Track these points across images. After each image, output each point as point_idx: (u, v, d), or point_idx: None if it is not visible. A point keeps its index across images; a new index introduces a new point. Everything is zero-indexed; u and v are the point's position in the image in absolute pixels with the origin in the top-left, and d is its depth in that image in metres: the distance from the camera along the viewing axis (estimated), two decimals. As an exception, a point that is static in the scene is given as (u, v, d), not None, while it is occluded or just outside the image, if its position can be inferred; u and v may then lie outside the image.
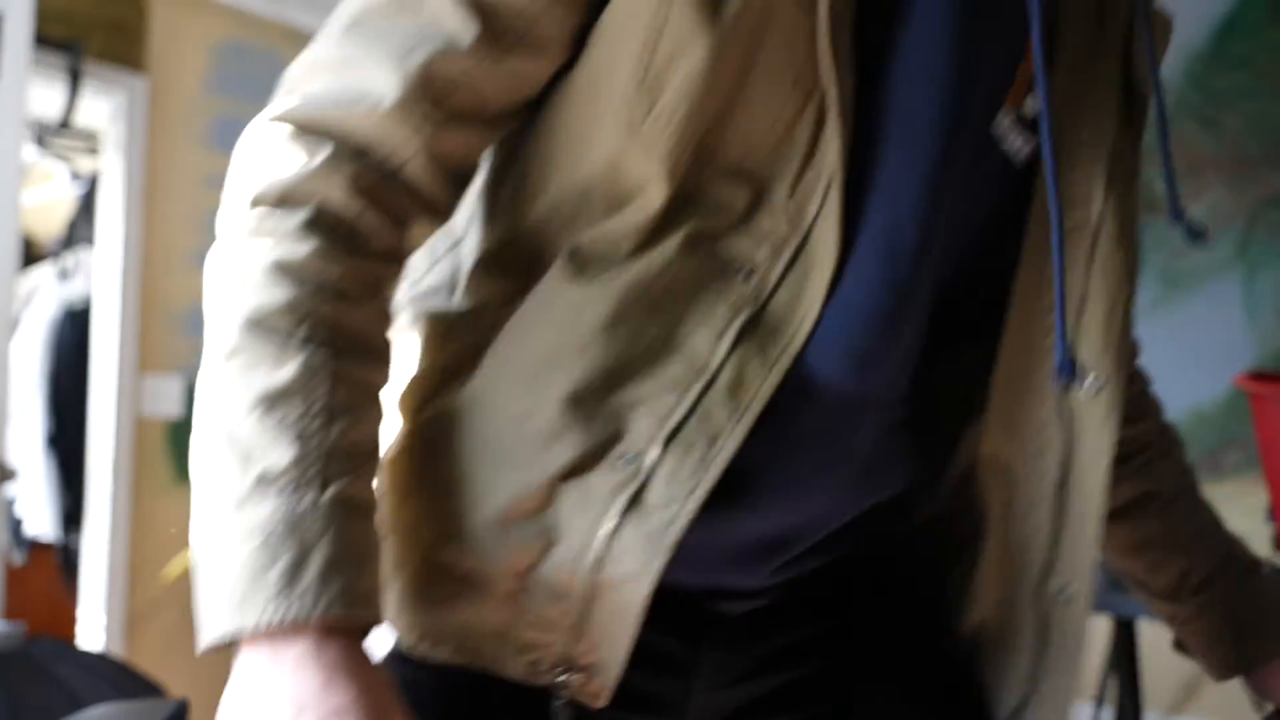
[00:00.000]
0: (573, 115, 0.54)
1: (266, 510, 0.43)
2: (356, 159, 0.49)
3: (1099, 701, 2.58)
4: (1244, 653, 0.76)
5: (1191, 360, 2.92)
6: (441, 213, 0.55)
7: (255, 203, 0.50)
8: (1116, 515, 0.73)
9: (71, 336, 2.96)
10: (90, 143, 3.10)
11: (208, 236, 2.82)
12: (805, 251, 0.52)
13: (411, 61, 0.49)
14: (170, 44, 2.94)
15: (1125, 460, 0.74)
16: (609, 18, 0.52)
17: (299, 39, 3.26)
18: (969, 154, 0.57)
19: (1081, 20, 0.62)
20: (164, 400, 2.80)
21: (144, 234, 2.80)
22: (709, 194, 0.53)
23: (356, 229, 0.50)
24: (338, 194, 0.49)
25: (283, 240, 0.48)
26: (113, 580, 2.67)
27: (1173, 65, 3.04)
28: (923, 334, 0.58)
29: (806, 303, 0.52)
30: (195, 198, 2.90)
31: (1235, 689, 2.62)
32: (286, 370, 0.45)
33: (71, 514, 2.92)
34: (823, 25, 0.51)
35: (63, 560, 2.94)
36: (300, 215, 0.48)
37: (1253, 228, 2.88)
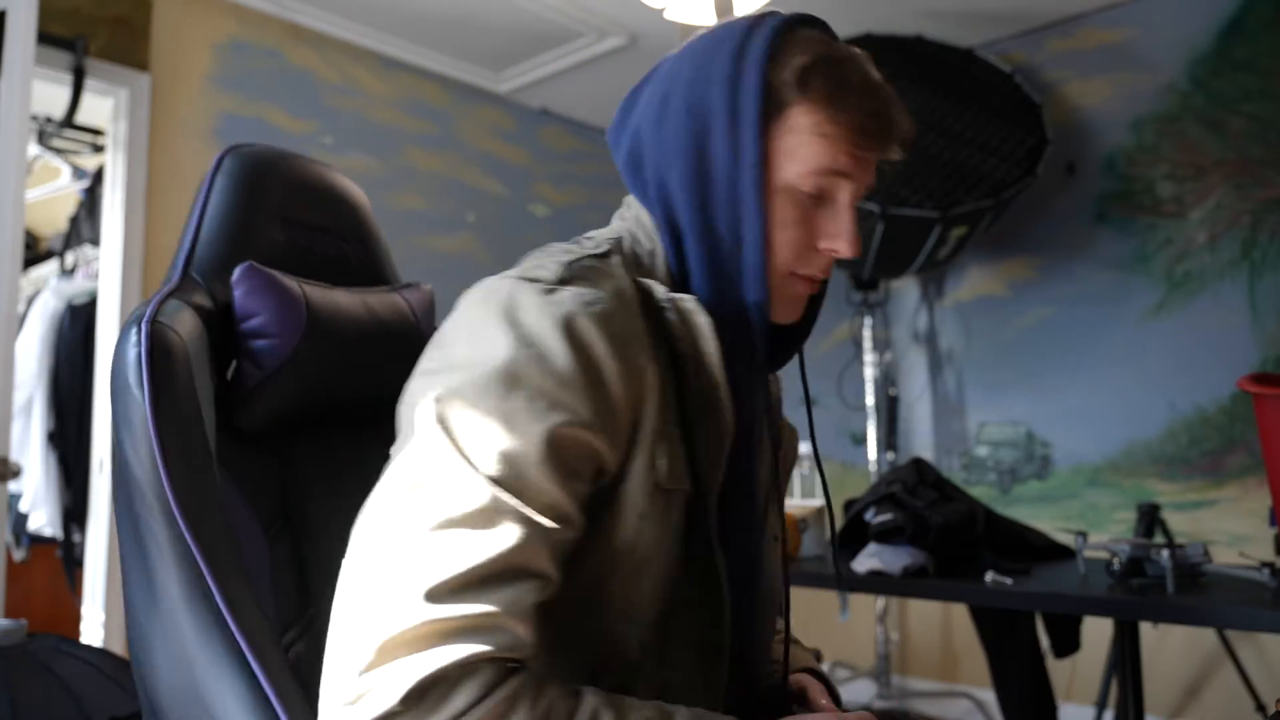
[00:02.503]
0: None
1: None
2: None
3: (1101, 704, 2.58)
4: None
5: (1195, 362, 2.91)
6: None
7: None
8: None
9: (73, 333, 2.96)
10: (93, 139, 3.10)
11: (210, 234, 2.67)
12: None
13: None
14: (173, 41, 2.95)
15: None
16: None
17: (302, 36, 3.26)
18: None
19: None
20: (166, 397, 2.80)
21: (146, 231, 2.81)
22: None
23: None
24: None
25: None
26: (113, 577, 2.67)
27: (1177, 68, 3.04)
28: None
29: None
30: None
31: (1236, 692, 2.60)
32: None
33: (73, 511, 2.93)
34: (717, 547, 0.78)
35: (64, 557, 2.94)
36: None
37: (1257, 230, 2.87)
